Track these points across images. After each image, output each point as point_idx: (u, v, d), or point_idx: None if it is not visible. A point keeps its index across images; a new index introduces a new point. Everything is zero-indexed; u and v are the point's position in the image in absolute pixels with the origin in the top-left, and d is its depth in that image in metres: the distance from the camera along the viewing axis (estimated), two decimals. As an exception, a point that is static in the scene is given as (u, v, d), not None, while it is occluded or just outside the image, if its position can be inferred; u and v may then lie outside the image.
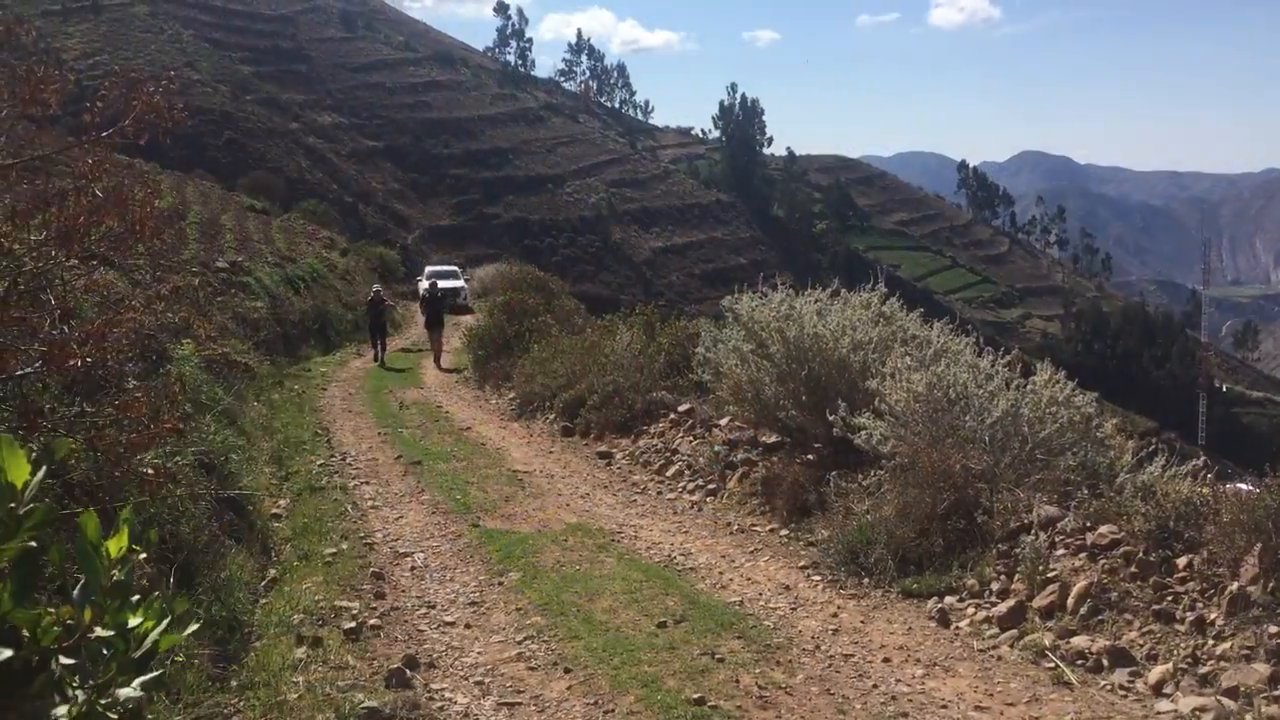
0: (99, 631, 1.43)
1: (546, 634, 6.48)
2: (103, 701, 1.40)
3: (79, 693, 1.38)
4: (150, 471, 4.49)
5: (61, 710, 1.34)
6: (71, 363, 4.09)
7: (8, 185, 4.62)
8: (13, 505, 1.39)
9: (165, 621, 1.51)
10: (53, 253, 4.36)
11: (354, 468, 11.76)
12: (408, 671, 5.84)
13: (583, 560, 8.14)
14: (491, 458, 12.49)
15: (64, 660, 1.37)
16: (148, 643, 1.48)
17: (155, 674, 1.48)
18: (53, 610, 1.40)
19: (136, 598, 1.50)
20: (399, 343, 26.62)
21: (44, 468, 1.46)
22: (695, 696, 5.49)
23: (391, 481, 11.08)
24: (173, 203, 26.24)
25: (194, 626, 1.77)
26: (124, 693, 1.43)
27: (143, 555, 1.54)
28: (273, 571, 7.88)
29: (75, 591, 1.43)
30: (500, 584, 7.56)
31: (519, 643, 6.36)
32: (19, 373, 4.08)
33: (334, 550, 8.34)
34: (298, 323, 24.23)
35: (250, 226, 32.21)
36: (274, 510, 9.61)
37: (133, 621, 1.48)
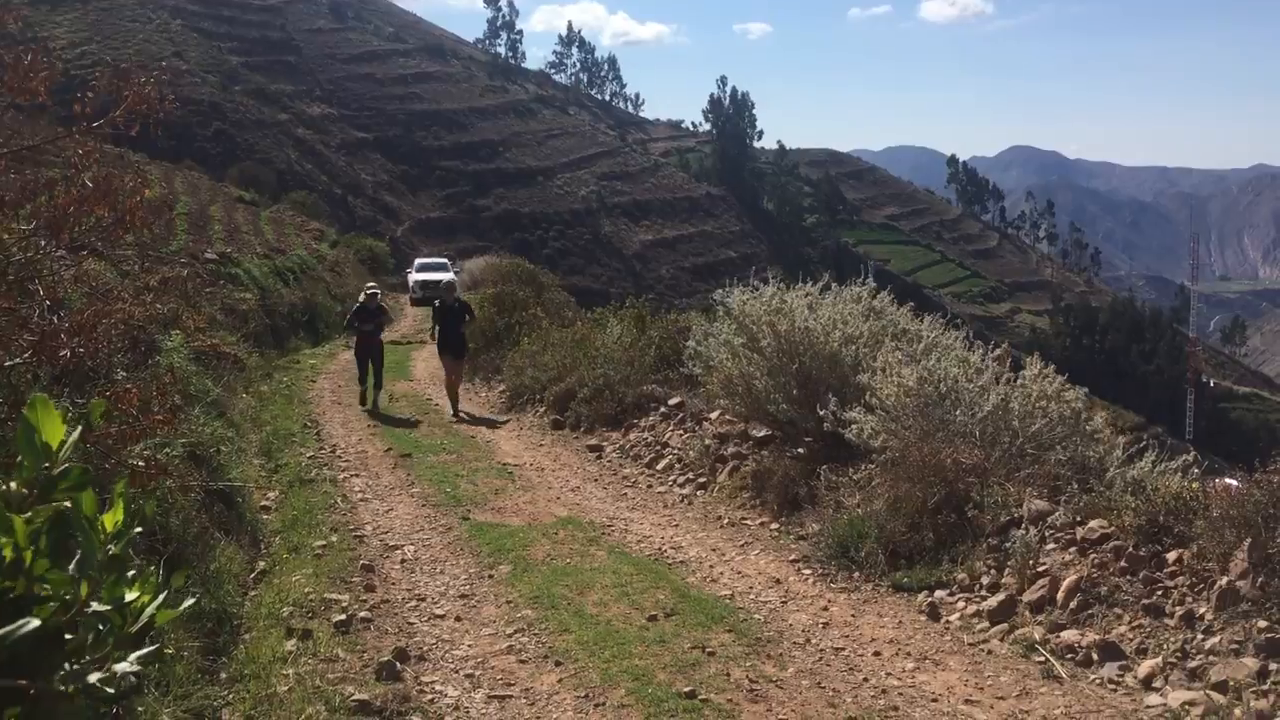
0: (95, 606, 1.42)
1: (537, 627, 6.47)
2: (100, 676, 1.39)
3: (77, 668, 1.38)
4: (141, 464, 4.46)
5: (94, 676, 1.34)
6: (61, 353, 4.06)
7: (-4, 175, 4.58)
8: (47, 465, 1.39)
9: (161, 596, 1.50)
10: (41, 243, 4.33)
11: (343, 460, 11.73)
12: (398, 664, 5.82)
13: (573, 554, 8.13)
14: (482, 451, 12.47)
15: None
16: (144, 617, 1.47)
17: (152, 648, 1.48)
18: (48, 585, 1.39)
19: (132, 573, 1.50)
20: (387, 336, 26.43)
21: (79, 428, 1.45)
22: (686, 690, 5.49)
23: (381, 474, 11.05)
24: (161, 193, 26.10)
25: (189, 602, 1.76)
26: (121, 667, 1.43)
27: (139, 529, 1.53)
28: (262, 564, 7.85)
29: (71, 566, 1.42)
30: (490, 577, 7.55)
31: (509, 635, 6.35)
32: (8, 363, 4.05)
33: (323, 543, 8.31)
34: (287, 315, 24.16)
35: (239, 218, 32.12)
36: (263, 503, 9.58)
37: (129, 596, 1.47)
